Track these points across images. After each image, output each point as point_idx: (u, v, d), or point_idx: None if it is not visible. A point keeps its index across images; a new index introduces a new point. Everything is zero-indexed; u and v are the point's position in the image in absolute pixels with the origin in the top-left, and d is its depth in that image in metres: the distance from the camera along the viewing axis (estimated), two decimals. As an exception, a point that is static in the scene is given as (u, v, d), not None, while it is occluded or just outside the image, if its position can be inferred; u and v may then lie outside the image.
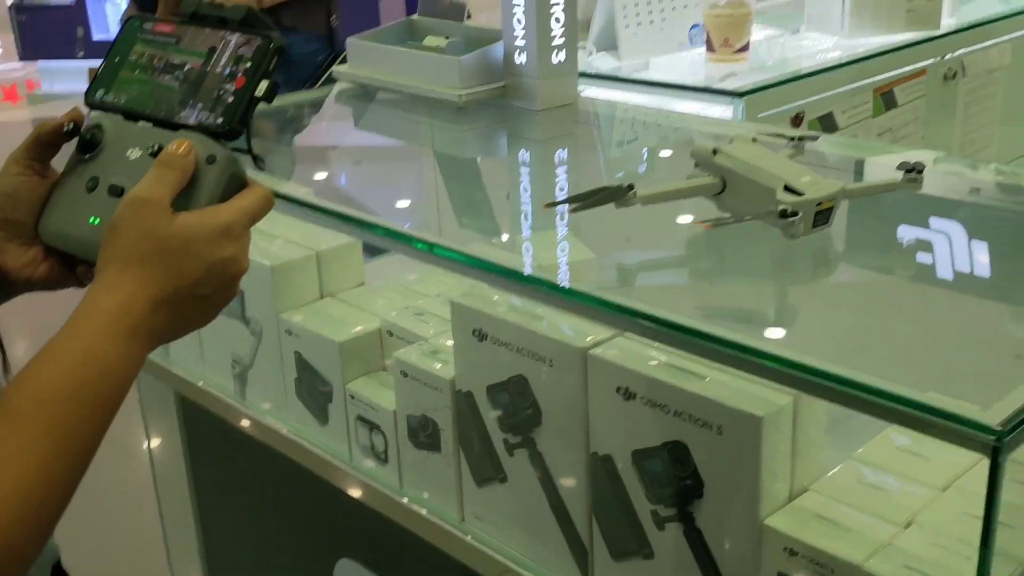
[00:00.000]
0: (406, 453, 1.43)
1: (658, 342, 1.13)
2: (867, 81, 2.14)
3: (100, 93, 0.93)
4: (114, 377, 0.75)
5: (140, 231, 0.78)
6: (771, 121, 1.94)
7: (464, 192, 1.64)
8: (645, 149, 1.82)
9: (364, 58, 2.05)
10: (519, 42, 1.83)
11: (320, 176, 1.82)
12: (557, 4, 1.80)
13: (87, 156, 0.90)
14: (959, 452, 1.13)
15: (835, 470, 1.12)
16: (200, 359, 1.79)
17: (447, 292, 1.60)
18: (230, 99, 0.88)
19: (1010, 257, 1.33)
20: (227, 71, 0.89)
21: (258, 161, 0.93)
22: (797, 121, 2.00)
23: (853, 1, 2.22)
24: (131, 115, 0.91)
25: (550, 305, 1.22)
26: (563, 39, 1.83)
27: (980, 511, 0.86)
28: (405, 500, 1.44)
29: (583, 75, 1.90)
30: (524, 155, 1.82)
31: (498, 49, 1.88)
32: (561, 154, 1.79)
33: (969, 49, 2.39)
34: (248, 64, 0.88)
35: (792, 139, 1.39)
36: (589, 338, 1.16)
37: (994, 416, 0.84)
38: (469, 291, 1.31)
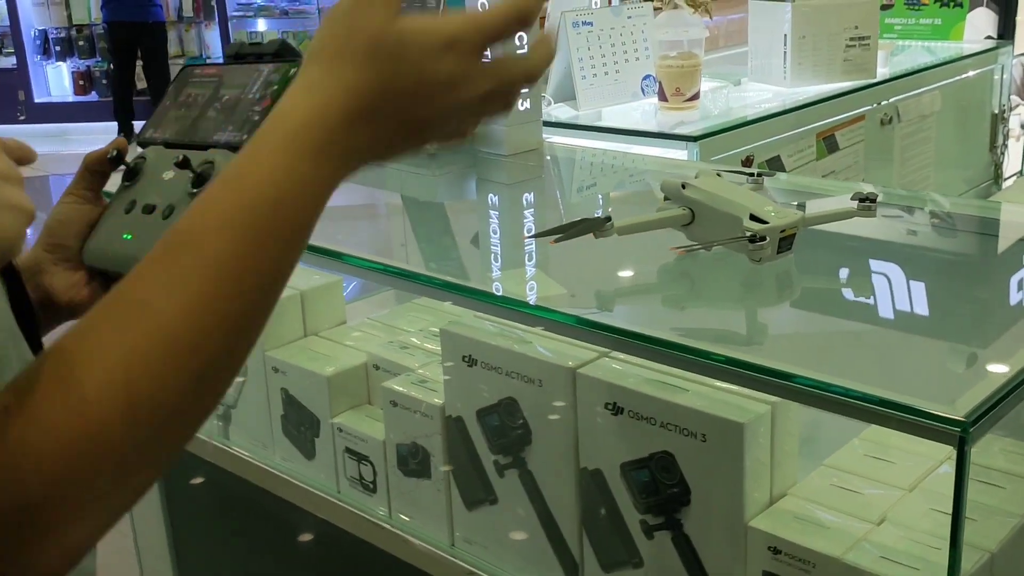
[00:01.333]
0: (395, 482, 1.49)
1: (643, 359, 1.21)
2: (810, 126, 2.27)
3: (149, 132, 1.01)
4: (300, 202, 0.63)
5: (352, 24, 0.64)
6: (723, 163, 2.05)
7: (449, 231, 1.72)
8: (611, 188, 1.92)
9: (334, 109, 2.13)
10: (487, 91, 1.92)
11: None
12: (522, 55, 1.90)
13: (128, 184, 0.97)
14: (921, 456, 1.23)
15: (810, 475, 1.21)
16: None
17: (428, 327, 1.67)
18: (257, 118, 0.95)
19: (953, 274, 1.44)
20: (258, 95, 0.96)
21: None
22: (748, 163, 2.12)
23: (793, 53, 2.36)
24: (172, 145, 0.98)
25: (538, 330, 1.30)
26: (526, 88, 1.92)
27: (945, 507, 0.95)
28: (394, 528, 1.49)
29: (545, 123, 2.00)
30: (497, 197, 1.90)
31: (466, 98, 1.97)
32: (533, 195, 1.88)
33: (902, 96, 2.54)
34: (275, 87, 0.96)
35: (752, 175, 1.49)
36: (576, 359, 1.24)
37: (959, 409, 0.93)
38: (456, 321, 1.38)
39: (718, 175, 1.40)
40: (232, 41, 1.03)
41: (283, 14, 8.69)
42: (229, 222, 0.62)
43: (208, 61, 1.15)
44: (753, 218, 1.28)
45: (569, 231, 1.30)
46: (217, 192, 0.63)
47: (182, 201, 0.92)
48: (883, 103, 2.48)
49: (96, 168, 0.95)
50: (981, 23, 3.02)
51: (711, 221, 1.33)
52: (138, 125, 8.04)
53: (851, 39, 2.39)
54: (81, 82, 8.60)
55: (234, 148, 0.93)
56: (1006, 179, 3.01)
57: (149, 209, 0.94)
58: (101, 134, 8.08)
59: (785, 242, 1.29)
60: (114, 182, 0.99)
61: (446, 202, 1.94)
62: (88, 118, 8.42)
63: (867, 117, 2.44)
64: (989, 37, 3.03)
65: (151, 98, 8.00)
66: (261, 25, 8.80)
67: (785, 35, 2.36)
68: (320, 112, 0.62)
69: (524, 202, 1.84)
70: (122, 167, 0.97)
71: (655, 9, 2.30)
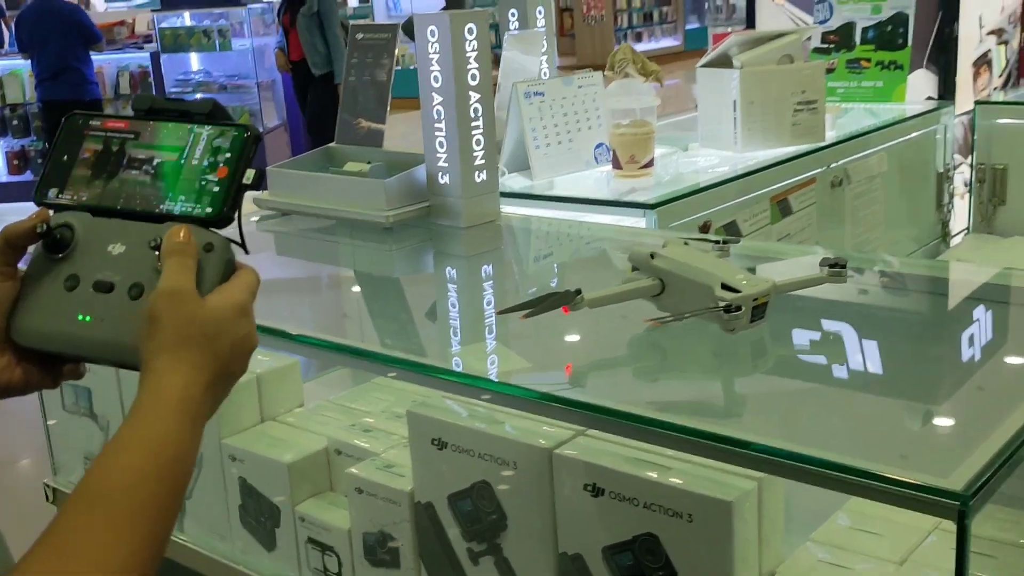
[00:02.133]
0: (362, 572, 1.42)
1: (621, 437, 1.17)
2: (764, 191, 2.27)
3: (53, 193, 0.94)
4: (188, 460, 0.78)
5: (181, 319, 0.82)
6: (681, 230, 2.04)
7: (407, 307, 1.67)
8: (570, 258, 1.89)
9: (285, 185, 2.09)
10: (442, 164, 1.90)
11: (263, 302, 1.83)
12: (477, 128, 1.88)
13: (59, 256, 0.90)
14: (908, 527, 1.20)
15: (796, 552, 1.17)
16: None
17: (390, 407, 1.62)
18: (215, 189, 0.90)
19: (923, 336, 1.43)
20: (206, 163, 0.91)
21: (244, 245, 0.96)
22: (705, 229, 2.11)
23: (743, 119, 2.37)
24: (99, 212, 0.92)
25: (509, 409, 1.26)
26: (484, 160, 1.90)
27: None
28: (362, 621, 1.42)
29: (501, 194, 1.97)
30: (456, 271, 1.87)
31: (421, 171, 1.94)
32: (492, 267, 1.85)
33: (851, 159, 2.56)
34: (228, 154, 0.91)
35: (717, 242, 1.47)
36: (552, 439, 1.20)
37: (957, 481, 0.90)
38: (423, 402, 1.34)
39: (685, 243, 1.38)
40: (134, 97, 0.98)
41: (222, 89, 8.65)
42: (144, 478, 0.75)
43: (95, 112, 1.11)
44: (725, 287, 1.26)
45: (539, 306, 1.27)
46: (130, 456, 0.76)
47: (151, 280, 0.87)
48: (832, 165, 2.50)
49: (18, 243, 0.90)
50: (921, 84, 3.07)
51: (682, 291, 1.31)
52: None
53: (799, 103, 2.41)
54: (16, 161, 8.46)
55: (198, 221, 0.89)
56: (954, 236, 3.05)
57: (104, 287, 0.88)
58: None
59: (758, 310, 1.27)
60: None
61: (404, 276, 1.89)
62: (22, 197, 8.26)
63: (818, 180, 2.46)
64: (930, 98, 3.08)
65: None
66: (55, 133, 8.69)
67: (734, 101, 2.37)
68: (189, 387, 0.80)
69: (484, 274, 1.81)
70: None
71: (605, 78, 2.30)
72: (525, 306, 1.29)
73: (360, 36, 2.16)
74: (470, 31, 1.85)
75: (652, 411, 1.10)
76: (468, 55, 1.85)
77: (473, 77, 1.87)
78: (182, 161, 0.93)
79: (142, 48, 8.78)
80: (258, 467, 1.53)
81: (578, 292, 1.29)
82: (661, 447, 1.13)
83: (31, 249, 0.92)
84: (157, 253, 0.87)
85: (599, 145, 2.37)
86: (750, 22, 3.33)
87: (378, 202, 1.91)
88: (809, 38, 2.97)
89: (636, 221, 2.02)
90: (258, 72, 8.69)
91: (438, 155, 1.90)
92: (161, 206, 0.91)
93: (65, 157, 0.95)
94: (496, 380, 1.25)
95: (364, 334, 1.59)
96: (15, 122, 8.40)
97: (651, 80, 2.18)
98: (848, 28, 3.08)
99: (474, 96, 1.87)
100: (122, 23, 9.65)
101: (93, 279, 0.89)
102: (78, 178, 0.94)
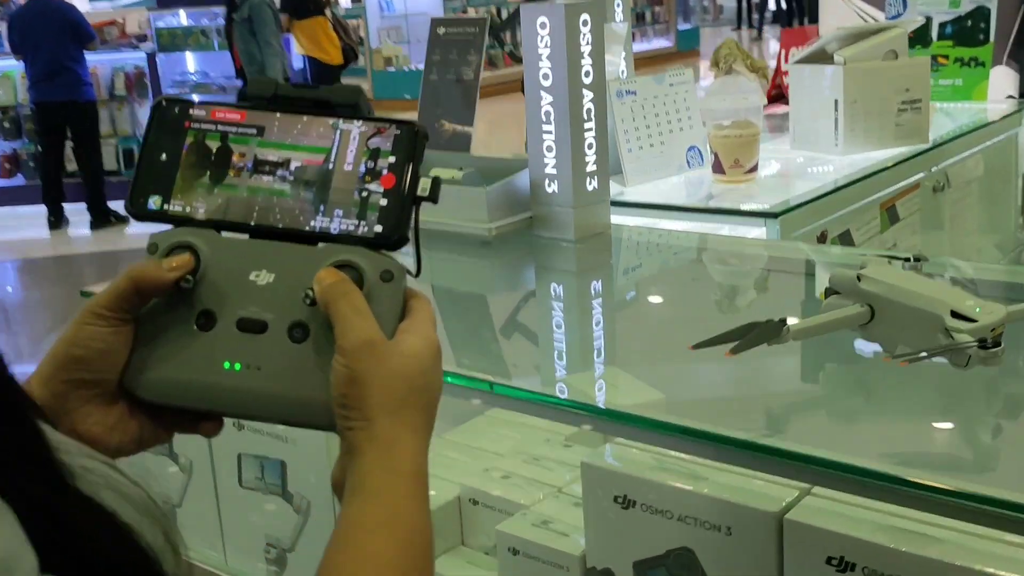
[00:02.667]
0: (512, 643, 1.23)
1: (859, 497, 0.99)
2: (874, 197, 2.10)
3: (156, 201, 0.75)
4: (430, 536, 0.69)
5: (387, 374, 0.69)
6: (801, 240, 1.86)
7: (532, 330, 1.49)
8: (702, 275, 1.71)
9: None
10: (550, 170, 1.71)
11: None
12: (590, 130, 1.70)
13: (183, 285, 0.72)
14: None
15: None
16: (217, 542, 1.55)
17: (521, 447, 1.43)
18: (383, 202, 0.73)
19: None
20: (363, 168, 0.73)
21: (419, 265, 0.77)
22: (823, 239, 1.94)
23: (846, 119, 2.20)
24: (224, 228, 0.74)
25: (709, 461, 1.08)
26: (596, 165, 1.72)
27: None
28: None
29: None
30: (571, 289, 1.68)
31: (523, 178, 1.75)
32: (615, 286, 1.66)
33: (950, 161, 2.40)
34: (392, 158, 0.73)
35: (907, 259, 1.29)
36: (776, 499, 1.02)
37: None
38: (600, 452, 1.15)
39: (889, 262, 1.20)
40: (248, 78, 0.77)
41: (220, 90, 8.41)
42: (397, 569, 0.65)
43: (194, 98, 0.90)
44: (955, 315, 1.08)
45: (744, 339, 1.09)
46: (376, 541, 0.66)
47: (314, 319, 0.70)
48: (934, 169, 2.33)
49: (151, 294, 0.72)
50: (1000, 82, 2.91)
51: (899, 319, 1.13)
52: (69, 208, 7.65)
53: (903, 102, 2.24)
54: (7, 165, 8.19)
55: (360, 242, 0.72)
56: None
57: (254, 327, 0.71)
58: (29, 217, 7.66)
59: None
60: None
61: (512, 295, 1.70)
62: (14, 201, 8.00)
63: (920, 185, 2.29)
64: (1010, 97, 2.92)
65: (83, 180, 7.62)
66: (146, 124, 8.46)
67: (836, 100, 2.20)
68: (416, 456, 0.69)
69: (605, 293, 1.62)
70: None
71: (712, 72, 2.12)
72: (722, 339, 1.11)
73: (442, 31, 1.97)
74: (584, 23, 1.67)
75: (889, 466, 0.92)
76: (582, 49, 1.67)
77: (587, 74, 1.68)
78: (330, 166, 0.74)
79: (137, 48, 8.53)
80: (380, 520, 1.34)
81: (782, 323, 1.11)
82: (921, 514, 0.95)
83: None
84: (310, 293, 0.70)
85: (691, 148, 2.20)
86: (813, 18, 3.16)
87: (479, 213, 1.72)
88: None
89: (755, 231, 1.84)
90: (256, 73, 8.46)
91: (545, 160, 1.71)
92: (312, 223, 0.73)
93: (164, 156, 0.76)
94: (692, 427, 1.06)
95: (495, 364, 1.40)
96: (7, 125, 8.15)
97: (759, 77, 2.00)
98: (924, 23, 2.91)
99: (587, 95, 1.69)
100: (112, 23, 9.39)
101: (236, 316, 0.71)
102: (188, 183, 0.75)
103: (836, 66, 2.20)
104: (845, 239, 2.01)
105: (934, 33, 2.90)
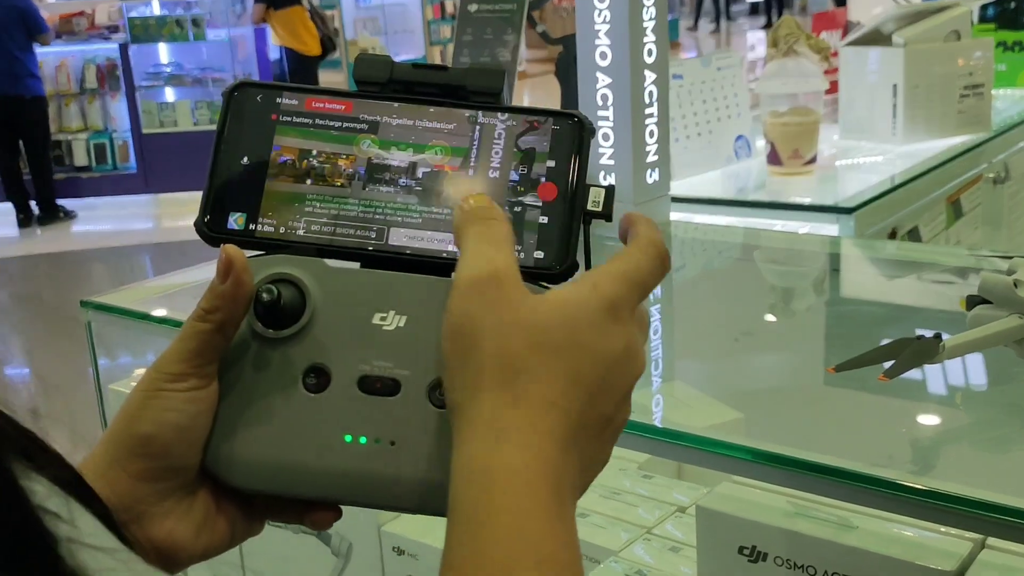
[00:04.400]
0: None
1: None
2: (941, 190, 1.94)
3: (238, 219, 0.56)
4: (576, 566, 0.47)
5: (508, 322, 0.48)
6: (875, 238, 1.70)
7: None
8: (782, 280, 1.53)
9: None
10: (607, 160, 1.53)
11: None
12: (651, 116, 1.52)
13: (284, 333, 0.54)
14: None
15: None
16: (238, 587, 1.36)
17: (598, 480, 1.25)
18: (543, 220, 0.55)
19: None
20: (515, 175, 0.56)
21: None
22: (893, 236, 1.77)
23: (906, 105, 2.03)
24: (332, 254, 0.56)
25: (854, 506, 0.90)
26: (657, 155, 1.54)
27: None
28: None
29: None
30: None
31: (575, 171, 1.57)
32: (688, 293, 1.48)
33: (1010, 152, 2.24)
34: (552, 162, 0.56)
35: (1048, 262, 1.12)
36: (947, 556, 0.84)
37: None
38: (716, 493, 0.97)
39: (1040, 266, 1.03)
40: (357, 56, 0.57)
41: (195, 82, 8.15)
42: None
43: (282, 83, 0.54)
44: None
45: (899, 362, 0.91)
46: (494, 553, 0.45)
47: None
48: (994, 160, 2.17)
49: (229, 326, 0.53)
50: (1043, 69, 2.76)
51: (1065, 333, 0.96)
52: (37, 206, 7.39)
53: (966, 87, 2.08)
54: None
55: (530, 275, 0.53)
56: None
57: (383, 387, 0.53)
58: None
59: None
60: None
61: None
62: (-16, 199, 7.74)
63: (982, 176, 2.12)
64: (1054, 83, 2.77)
65: (33, 179, 7.36)
66: (170, 95, 8.23)
67: (895, 85, 2.03)
68: (541, 456, 0.47)
69: (680, 302, 1.44)
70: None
71: (768, 54, 1.94)
72: (868, 360, 0.94)
73: (474, 8, 1.79)
74: (647, -3, 1.49)
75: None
76: (644, 24, 1.49)
77: (649, 53, 1.50)
78: (470, 172, 0.56)
79: (109, 39, 8.26)
80: (437, 563, 1.15)
81: (938, 338, 0.94)
82: None
83: None
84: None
85: (739, 137, 2.02)
86: (840, 1, 3.00)
87: (526, 209, 1.54)
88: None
89: (826, 228, 1.67)
90: (234, 64, 8.21)
91: (601, 150, 1.53)
92: (451, 247, 0.55)
93: (246, 160, 0.57)
94: (830, 464, 0.88)
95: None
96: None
97: (821, 60, 1.83)
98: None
99: (649, 77, 1.51)
100: (81, 13, 9.11)
101: (358, 374, 0.53)
102: (280, 196, 0.56)
103: (895, 48, 2.03)
104: (914, 236, 1.84)
105: (975, 16, 2.74)
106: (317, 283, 0.54)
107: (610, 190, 0.57)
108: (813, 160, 1.88)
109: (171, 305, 1.38)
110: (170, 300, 1.44)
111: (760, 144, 2.00)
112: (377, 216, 0.56)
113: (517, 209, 0.55)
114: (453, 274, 0.50)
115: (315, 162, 0.57)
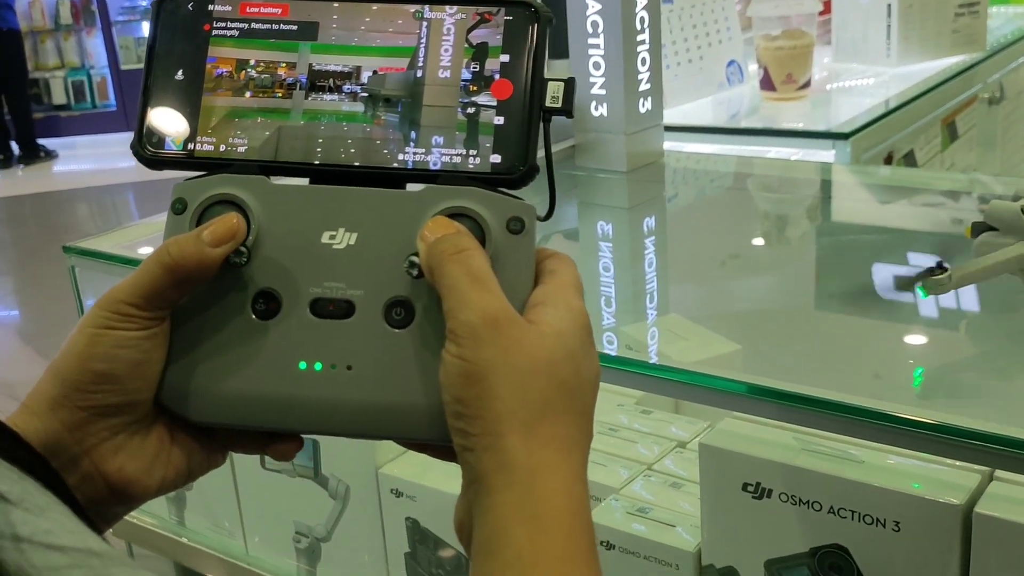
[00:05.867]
0: (604, 648, 1.05)
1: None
2: (936, 112, 1.91)
3: (175, 139, 0.54)
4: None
5: (521, 367, 0.47)
6: (871, 163, 1.67)
7: (601, 288, 1.28)
8: (785, 209, 1.50)
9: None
10: (598, 90, 1.49)
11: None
12: (643, 43, 1.48)
13: (231, 259, 0.51)
14: None
15: None
16: (237, 530, 1.35)
17: (596, 416, 1.23)
18: (499, 120, 0.52)
19: None
20: (467, 73, 0.53)
21: (552, 206, 0.57)
22: (889, 161, 1.74)
23: (901, 26, 1.99)
24: (276, 170, 0.53)
25: (862, 441, 0.88)
26: (649, 84, 1.50)
27: None
28: None
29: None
30: (621, 228, 1.47)
31: (565, 101, 1.53)
32: (678, 224, 1.46)
33: (1005, 71, 2.20)
34: (506, 56, 0.53)
35: (1053, 186, 1.10)
36: (958, 489, 0.83)
37: None
38: (719, 429, 0.96)
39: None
40: None
41: (173, 16, 7.97)
42: None
43: None
44: None
45: (904, 283, 0.89)
46: None
47: (417, 292, 0.50)
48: (989, 80, 2.13)
49: (194, 279, 0.51)
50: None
51: (1072, 260, 0.94)
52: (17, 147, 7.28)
53: (960, 5, 2.03)
54: (-49, 102, 7.78)
55: (463, 179, 0.52)
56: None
57: (337, 309, 0.51)
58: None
59: None
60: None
61: (565, 241, 1.49)
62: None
63: (977, 97, 2.09)
64: (1049, 0, 2.72)
65: (11, 116, 7.23)
66: (147, 29, 8.07)
67: (888, 4, 1.98)
68: (573, 489, 0.47)
69: (675, 237, 1.42)
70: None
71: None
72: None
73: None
74: (636, -83, 1.44)
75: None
76: (634, -52, 1.44)
77: (640, -23, 1.46)
78: (419, 73, 0.53)
79: (83, -28, 8.08)
80: (438, 507, 1.14)
81: (942, 267, 0.92)
82: None
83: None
84: (414, 260, 0.50)
85: (731, 63, 1.98)
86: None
87: (516, 142, 1.50)
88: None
89: (822, 154, 1.64)
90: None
91: (592, 79, 1.49)
92: (401, 156, 0.53)
93: (180, 74, 0.54)
94: (832, 399, 0.87)
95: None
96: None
97: (815, -20, 1.79)
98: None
99: (640, 2, 1.46)
100: (53, -54, 8.90)
101: (309, 297, 0.51)
102: (218, 111, 0.53)
103: (889, -34, 1.98)
104: (910, 160, 1.82)
105: (968, -69, 2.67)
106: (260, 203, 0.52)
107: (570, 82, 0.54)
108: (807, 84, 1.84)
109: (155, 247, 1.35)
110: (154, 243, 1.41)
111: (753, 69, 1.96)
112: (321, 127, 0.53)
113: (470, 110, 0.53)
114: (448, 320, 0.48)
115: (253, 72, 0.54)
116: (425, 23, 0.53)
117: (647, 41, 1.48)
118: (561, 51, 1.50)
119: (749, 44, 1.98)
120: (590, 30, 1.47)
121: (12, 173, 7.25)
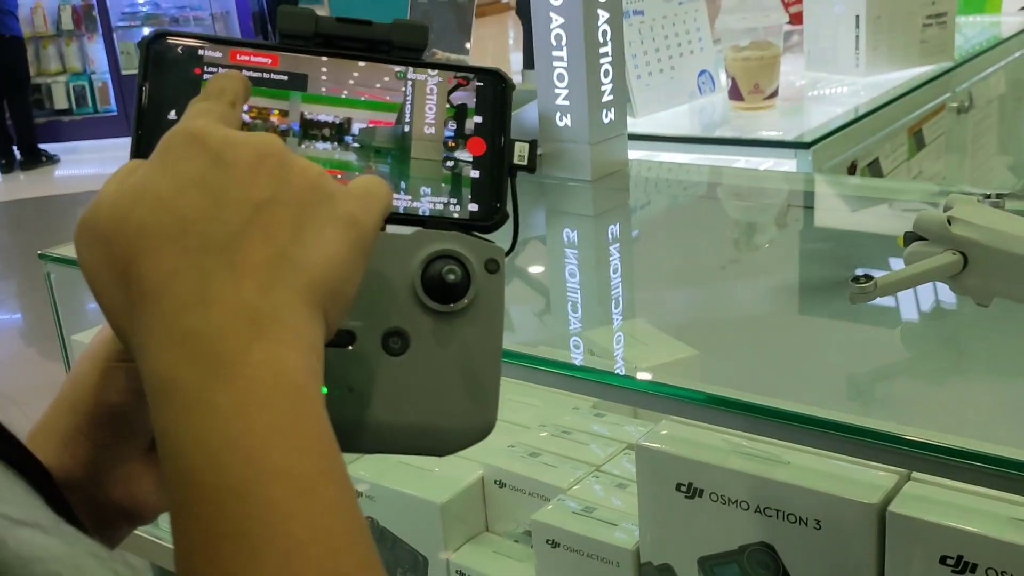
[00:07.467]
0: (553, 644, 1.09)
1: (967, 484, 0.84)
2: (902, 121, 1.94)
3: None
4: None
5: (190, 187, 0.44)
6: (833, 172, 1.71)
7: (549, 287, 1.32)
8: (749, 218, 1.54)
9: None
10: (562, 101, 1.53)
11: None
12: (606, 55, 1.52)
13: None
14: None
15: None
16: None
17: (546, 418, 1.28)
18: (475, 174, 0.57)
19: None
20: (448, 132, 0.57)
21: (513, 247, 0.61)
22: (852, 170, 1.78)
23: (869, 36, 2.03)
24: None
25: (787, 443, 0.92)
26: (612, 95, 1.54)
27: None
28: None
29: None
30: (587, 236, 1.51)
31: (531, 112, 1.57)
32: (652, 235, 1.50)
33: (974, 80, 2.24)
34: (479, 118, 0.58)
35: (988, 196, 1.14)
36: (877, 488, 0.87)
37: None
38: (655, 432, 1.00)
39: (977, 201, 1.04)
40: (279, 9, 0.58)
41: (173, 21, 8.05)
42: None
43: (203, 35, 0.53)
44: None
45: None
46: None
47: (413, 319, 0.55)
48: (958, 89, 2.17)
49: None
50: (1015, -6, 2.75)
51: (996, 268, 0.98)
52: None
53: (928, 16, 2.07)
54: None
55: (449, 225, 0.56)
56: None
57: (338, 338, 0.54)
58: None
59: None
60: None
61: (528, 251, 1.53)
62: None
63: (945, 106, 2.13)
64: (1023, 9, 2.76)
65: (13, 123, 7.29)
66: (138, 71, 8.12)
67: (857, 16, 2.02)
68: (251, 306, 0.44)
69: (643, 247, 1.46)
70: None
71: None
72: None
73: (430, -54, 1.77)
74: (597, -68, 1.48)
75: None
76: (596, -36, 1.48)
77: (602, -8, 1.50)
78: (406, 128, 0.57)
79: (84, -22, 8.15)
80: (397, 507, 1.18)
81: (868, 278, 0.95)
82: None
83: None
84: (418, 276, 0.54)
85: (702, 72, 2.02)
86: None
87: (482, 152, 1.54)
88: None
89: (784, 164, 1.68)
90: (212, 2, 8.10)
91: (557, 90, 1.53)
92: (394, 202, 0.56)
93: (173, 114, 0.57)
94: (764, 404, 0.91)
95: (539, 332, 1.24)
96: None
97: (781, -8, 1.83)
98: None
99: (603, 16, 1.50)
100: (55, -48, 8.97)
101: None
102: None
103: (857, -22, 2.02)
104: (875, 169, 1.85)
105: (943, -59, 2.71)
106: None
107: (533, 144, 0.59)
108: (774, 94, 1.88)
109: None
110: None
111: (724, 79, 2.00)
112: None
113: (450, 164, 0.57)
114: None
115: (247, 118, 0.57)
116: (409, 82, 0.58)
117: (610, 54, 1.52)
118: (527, 63, 1.55)
119: (721, 54, 2.02)
120: (554, 43, 1.51)
121: (14, 178, 7.31)
